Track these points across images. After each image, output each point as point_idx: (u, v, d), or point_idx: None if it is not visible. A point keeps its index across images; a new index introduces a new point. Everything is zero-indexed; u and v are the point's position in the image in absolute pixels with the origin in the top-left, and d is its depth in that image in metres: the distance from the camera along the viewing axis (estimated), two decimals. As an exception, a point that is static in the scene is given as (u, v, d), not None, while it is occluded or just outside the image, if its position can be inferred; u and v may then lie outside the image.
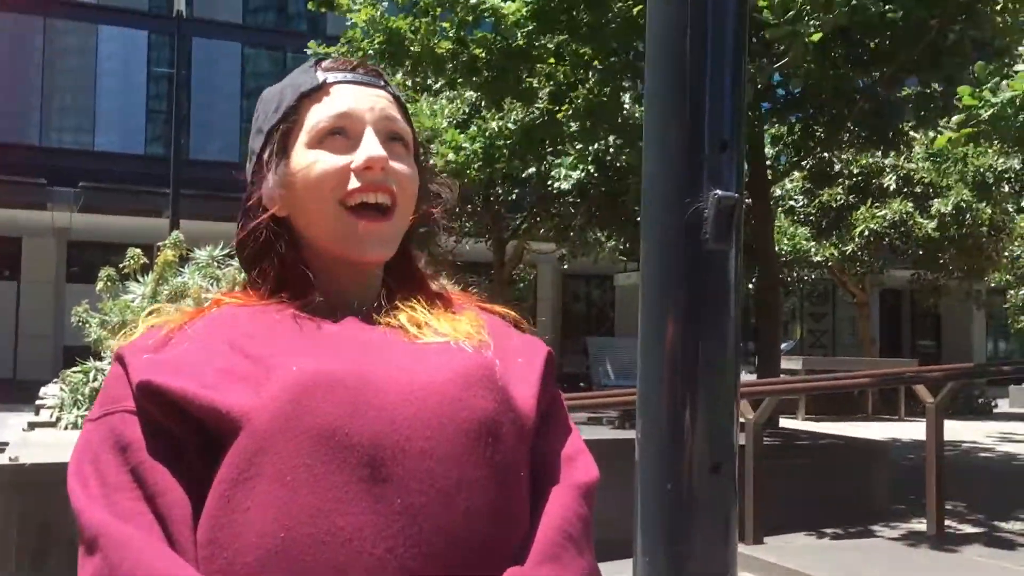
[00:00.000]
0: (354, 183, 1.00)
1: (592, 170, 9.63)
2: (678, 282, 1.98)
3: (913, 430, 12.66)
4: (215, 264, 6.14)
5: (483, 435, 0.92)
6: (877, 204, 14.94)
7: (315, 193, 1.01)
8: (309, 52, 9.75)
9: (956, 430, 13.24)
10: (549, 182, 9.72)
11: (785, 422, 11.10)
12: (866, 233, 14.78)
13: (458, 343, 0.99)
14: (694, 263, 1.95)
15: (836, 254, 15.57)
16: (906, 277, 17.85)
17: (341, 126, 1.02)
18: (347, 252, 1.02)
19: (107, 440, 0.92)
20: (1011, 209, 15.44)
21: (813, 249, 15.63)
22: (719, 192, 1.90)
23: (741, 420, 5.81)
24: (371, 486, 0.86)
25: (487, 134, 9.04)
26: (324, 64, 1.08)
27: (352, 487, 0.86)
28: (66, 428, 5.84)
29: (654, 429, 2.01)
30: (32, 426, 6.21)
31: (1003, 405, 18.49)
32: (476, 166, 8.99)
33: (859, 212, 14.97)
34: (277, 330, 0.97)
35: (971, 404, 17.03)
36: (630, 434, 2.04)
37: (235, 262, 5.75)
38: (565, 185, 9.59)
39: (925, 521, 6.30)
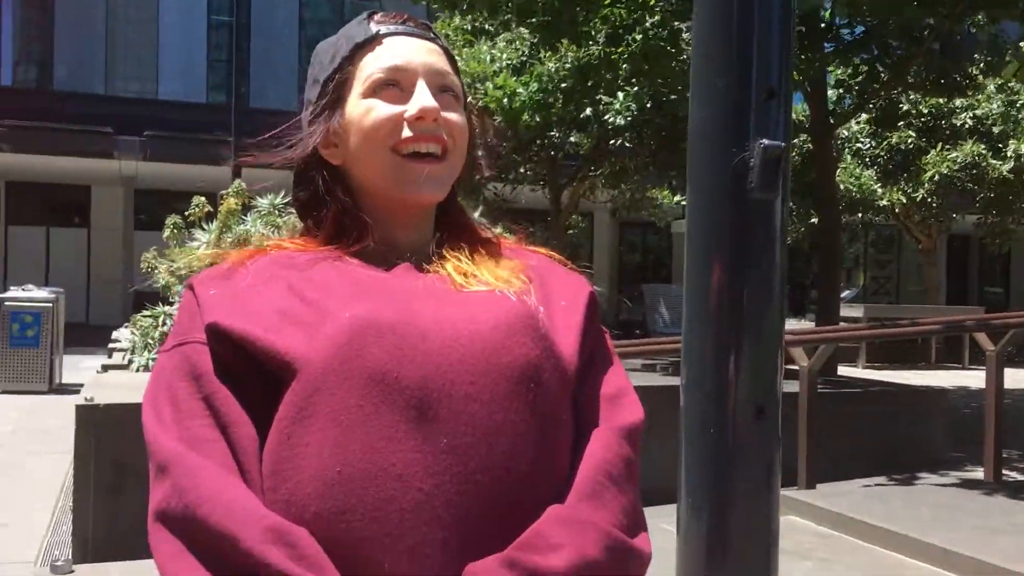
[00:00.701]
0: (407, 132, 1.04)
1: (648, 106, 9.47)
2: (724, 230, 2.00)
3: (977, 379, 12.43)
4: (276, 212, 6.26)
5: (525, 380, 0.95)
6: (948, 147, 14.52)
7: (369, 140, 1.05)
8: None
9: (1022, 379, 12.96)
10: (606, 116, 9.57)
11: (845, 370, 11.01)
12: (936, 178, 14.40)
13: (502, 291, 1.02)
14: (740, 211, 1.96)
15: (903, 200, 15.21)
16: (973, 222, 17.40)
17: (395, 78, 1.06)
18: (402, 193, 1.06)
19: (181, 368, 0.97)
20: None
21: (880, 192, 15.29)
22: (765, 141, 1.91)
23: (795, 367, 5.80)
24: (419, 426, 0.91)
25: (542, 78, 8.96)
26: (376, 17, 1.11)
27: (402, 427, 0.91)
28: (137, 370, 6.06)
29: (698, 375, 2.05)
30: (105, 368, 6.46)
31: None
32: (529, 112, 8.94)
33: (929, 156, 14.56)
34: (332, 276, 1.01)
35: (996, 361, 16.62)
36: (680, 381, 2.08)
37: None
38: (620, 120, 9.44)
39: (982, 469, 6.25)
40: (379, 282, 1.02)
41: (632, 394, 1.07)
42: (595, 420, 1.02)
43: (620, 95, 9.40)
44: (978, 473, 6.40)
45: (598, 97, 9.50)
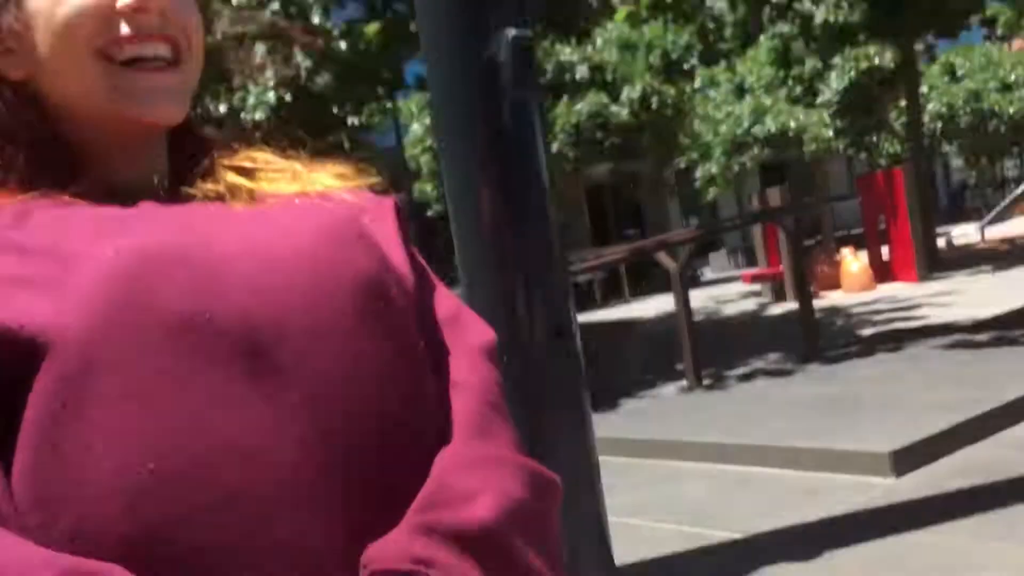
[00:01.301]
0: (124, 29, 0.75)
1: (287, 97, 8.98)
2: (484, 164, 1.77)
3: (640, 309, 13.52)
4: None
5: (372, 299, 0.73)
6: (573, 99, 15.44)
7: (66, 42, 0.74)
8: None
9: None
10: (242, 114, 8.94)
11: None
12: (568, 128, 15.27)
13: (305, 197, 0.79)
14: (493, 114, 1.74)
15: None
16: (606, 170, 18.79)
17: None
18: (126, 111, 0.76)
19: None
20: (689, 89, 16.55)
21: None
22: (514, 32, 1.70)
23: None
24: (258, 380, 0.66)
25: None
26: None
27: (233, 386, 0.65)
28: None
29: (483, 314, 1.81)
30: None
31: (707, 274, 20.22)
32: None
33: (557, 108, 15.40)
34: (62, 216, 0.70)
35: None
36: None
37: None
38: (259, 115, 8.85)
39: (684, 381, 6.70)
40: (136, 212, 0.73)
41: (470, 311, 0.88)
42: (443, 344, 0.82)
43: (255, 89, 8.82)
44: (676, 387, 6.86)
45: (229, 86, 8.83)
